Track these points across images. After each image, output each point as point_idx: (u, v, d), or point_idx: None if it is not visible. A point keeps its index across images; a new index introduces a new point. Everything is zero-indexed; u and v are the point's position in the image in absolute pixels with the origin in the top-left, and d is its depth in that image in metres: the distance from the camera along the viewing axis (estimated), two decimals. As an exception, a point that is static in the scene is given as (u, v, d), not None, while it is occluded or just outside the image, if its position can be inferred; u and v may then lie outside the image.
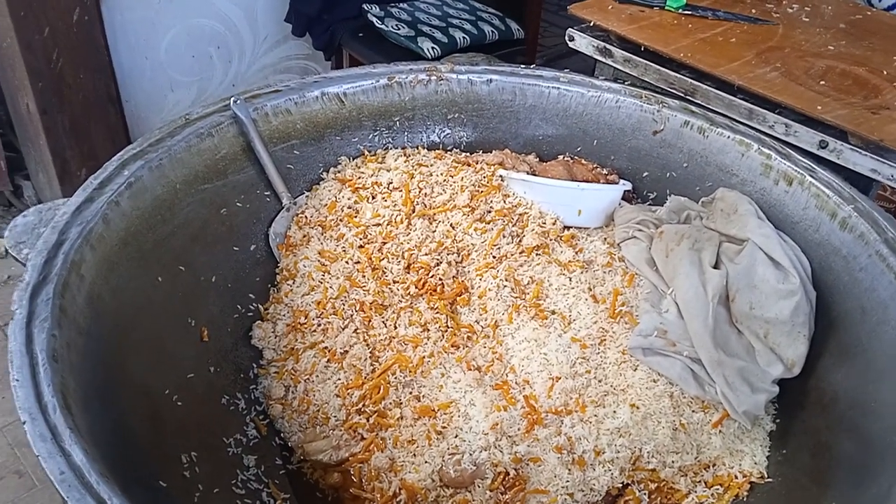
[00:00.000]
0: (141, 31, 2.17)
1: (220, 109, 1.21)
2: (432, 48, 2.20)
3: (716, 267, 1.13)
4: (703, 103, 1.33)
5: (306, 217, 1.25)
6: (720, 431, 1.07)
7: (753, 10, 1.58)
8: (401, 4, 2.43)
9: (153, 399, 0.96)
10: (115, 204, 1.01)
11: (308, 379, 1.11)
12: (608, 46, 1.46)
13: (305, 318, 1.16)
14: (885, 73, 1.35)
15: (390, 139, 1.39)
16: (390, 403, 1.08)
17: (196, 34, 2.29)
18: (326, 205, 1.27)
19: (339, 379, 1.10)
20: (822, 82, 1.30)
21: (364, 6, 2.36)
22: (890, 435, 0.90)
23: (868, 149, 1.16)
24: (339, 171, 1.32)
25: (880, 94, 1.27)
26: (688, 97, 1.35)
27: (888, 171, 1.14)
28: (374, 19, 2.30)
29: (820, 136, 1.19)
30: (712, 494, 1.06)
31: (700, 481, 1.07)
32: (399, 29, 2.27)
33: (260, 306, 1.20)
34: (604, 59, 1.47)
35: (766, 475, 1.06)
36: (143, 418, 0.91)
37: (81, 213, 0.97)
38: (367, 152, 1.35)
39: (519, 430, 1.04)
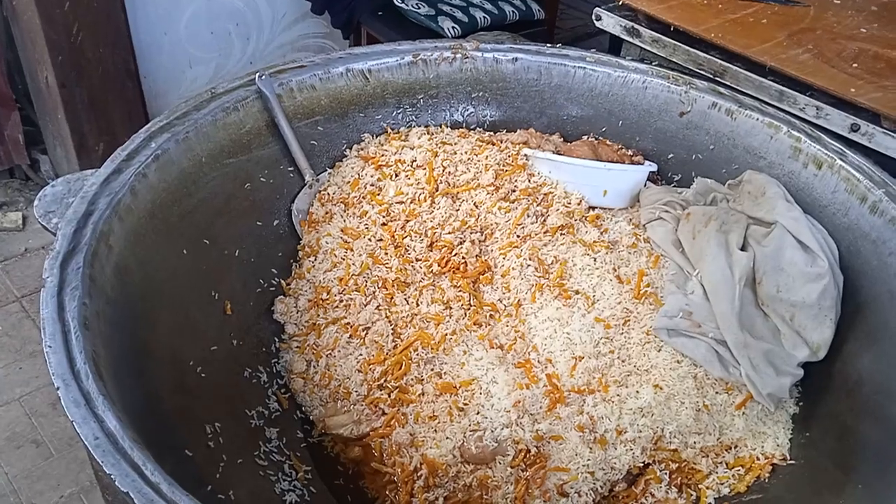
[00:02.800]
0: (161, 7, 2.17)
1: (245, 84, 1.21)
2: (452, 27, 2.19)
3: (743, 249, 1.12)
4: (732, 85, 1.32)
5: (329, 194, 1.25)
6: (743, 413, 1.07)
7: (783, -8, 1.56)
8: (422, -17, 2.41)
9: (178, 370, 0.97)
10: (143, 176, 1.01)
11: (330, 354, 1.11)
12: (636, 26, 1.44)
13: (327, 293, 1.16)
14: (917, 56, 1.33)
15: (414, 117, 1.38)
16: (412, 380, 1.08)
17: (216, 10, 2.28)
18: (349, 182, 1.26)
19: (361, 354, 1.10)
20: (855, 65, 1.28)
21: (385, -16, 2.34)
22: (917, 420, 0.89)
23: (901, 132, 1.14)
24: (362, 149, 1.31)
25: (913, 78, 1.25)
26: (717, 78, 1.33)
27: (920, 155, 1.12)
28: (395, -3, 2.29)
29: (852, 119, 1.18)
30: (733, 475, 1.06)
31: (721, 462, 1.07)
32: (419, 8, 2.25)
33: (282, 281, 1.20)
34: (631, 40, 1.46)
35: (788, 457, 1.06)
36: (168, 388, 0.92)
37: (110, 185, 0.97)
38: (390, 130, 1.35)
39: (541, 408, 1.04)
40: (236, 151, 1.17)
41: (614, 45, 1.56)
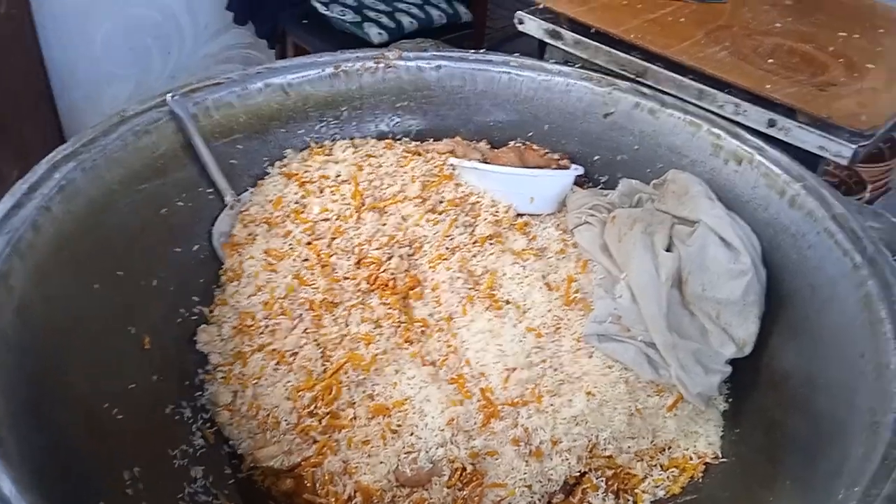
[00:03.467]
0: (74, 24, 2.08)
1: (157, 105, 1.16)
2: (379, 34, 2.16)
3: (668, 250, 1.12)
4: (654, 85, 1.32)
5: (251, 214, 1.21)
6: (675, 414, 1.07)
7: (700, -11, 1.58)
8: (347, -11, 2.38)
9: (91, 414, 0.91)
10: (46, 209, 0.95)
11: (256, 383, 1.07)
12: (558, 29, 1.44)
13: (252, 319, 1.12)
14: (830, 49, 1.35)
15: (338, 130, 1.35)
16: (343, 404, 1.05)
17: (133, 25, 2.21)
18: (272, 201, 1.23)
19: (290, 381, 1.06)
20: (771, 60, 1.30)
21: (308, -9, 2.30)
22: (840, 411, 0.90)
23: (815, 126, 1.16)
24: (284, 165, 1.28)
25: (827, 71, 1.28)
26: (639, 79, 1.34)
27: (835, 147, 1.15)
28: (319, 5, 2.25)
29: (769, 115, 1.20)
30: (668, 477, 1.06)
31: (656, 465, 1.07)
32: (344, 14, 2.23)
33: (205, 309, 1.16)
34: (554, 42, 1.46)
35: (720, 455, 1.07)
36: (80, 435, 0.87)
37: (9, 221, 0.91)
38: (313, 144, 1.32)
39: (475, 423, 1.03)
40: (150, 176, 1.12)
41: (543, 45, 1.55)
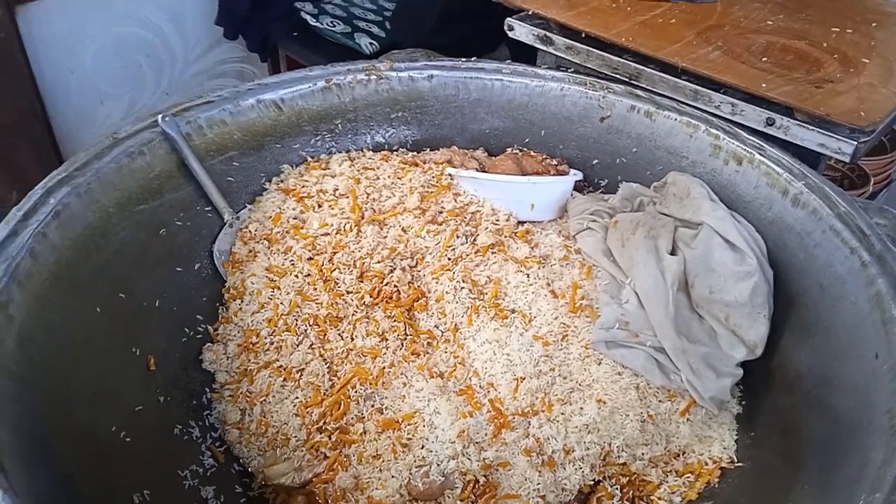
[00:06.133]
0: (63, 45, 2.07)
1: (149, 126, 1.15)
2: (370, 44, 2.15)
3: (672, 253, 1.12)
4: (648, 87, 1.32)
5: (250, 231, 1.20)
6: (688, 419, 1.06)
7: (691, -11, 1.58)
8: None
9: (99, 439, 0.90)
10: (43, 236, 0.94)
11: (264, 400, 1.06)
12: (549, 34, 1.43)
13: (257, 336, 1.11)
14: (824, 45, 1.35)
15: (333, 143, 1.34)
16: (352, 419, 1.04)
17: (123, 44, 2.20)
18: (271, 217, 1.22)
19: (297, 397, 1.05)
20: (765, 59, 1.30)
21: (297, 3, 2.29)
22: (857, 412, 0.89)
23: (814, 123, 1.16)
24: (281, 181, 1.27)
25: (822, 68, 1.28)
26: (632, 81, 1.34)
27: (835, 144, 1.14)
28: (308, 17, 2.24)
29: (766, 114, 1.19)
30: (683, 483, 1.05)
31: (671, 471, 1.06)
32: (334, 26, 2.22)
33: (209, 328, 1.15)
34: (545, 48, 1.45)
35: (735, 459, 1.06)
36: (88, 462, 0.85)
37: (6, 249, 0.90)
38: (309, 158, 1.31)
39: (486, 435, 1.02)
40: (147, 197, 1.11)
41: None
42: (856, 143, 1.11)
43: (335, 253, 1.17)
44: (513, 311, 1.14)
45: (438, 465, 0.98)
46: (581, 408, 1.04)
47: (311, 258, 1.17)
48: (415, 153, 1.36)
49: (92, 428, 0.90)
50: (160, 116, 1.14)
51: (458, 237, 1.20)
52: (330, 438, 1.02)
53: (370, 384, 1.06)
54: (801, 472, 0.94)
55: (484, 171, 1.29)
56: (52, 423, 0.84)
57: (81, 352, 0.94)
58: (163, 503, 0.91)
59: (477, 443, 1.01)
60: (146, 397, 1.01)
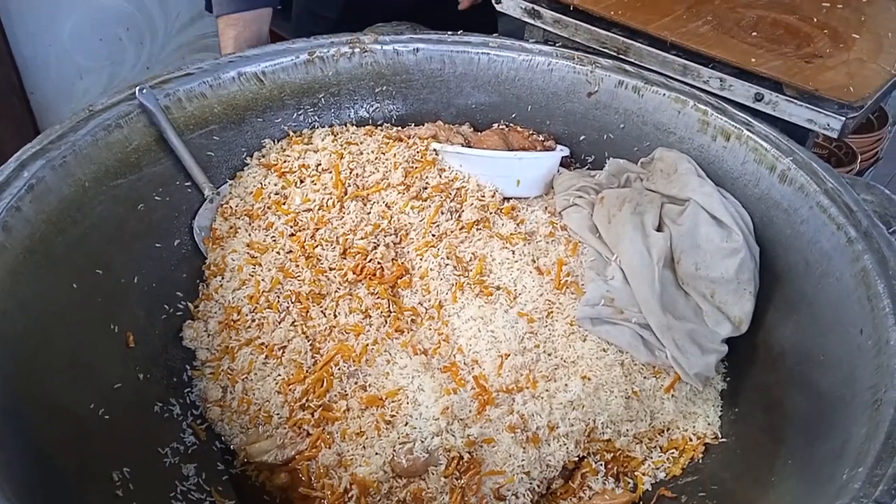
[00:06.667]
0: (40, 18, 2.02)
1: (127, 98, 1.12)
2: (356, 18, 2.12)
3: (659, 229, 1.11)
4: (636, 61, 1.30)
5: (231, 207, 1.18)
6: (672, 396, 1.06)
7: (680, -37, 1.55)
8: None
9: (77, 416, 0.89)
10: (16, 209, 0.92)
11: (246, 378, 1.05)
12: (537, 7, 1.41)
13: (238, 314, 1.09)
14: (815, 20, 1.34)
15: (316, 117, 1.32)
16: (335, 396, 1.03)
17: (101, 17, 2.15)
18: (252, 192, 1.19)
19: (279, 375, 1.04)
20: (755, 33, 1.28)
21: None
22: (840, 388, 0.89)
23: (803, 99, 1.14)
24: (263, 156, 1.25)
25: (812, 43, 1.26)
26: (621, 56, 1.32)
27: (823, 120, 1.13)
28: (293, -10, 2.20)
29: (755, 89, 1.17)
30: (668, 459, 1.05)
31: (655, 447, 1.06)
32: (320, -1, 2.17)
33: (189, 304, 1.13)
34: (533, 22, 1.42)
35: (719, 435, 1.06)
36: (66, 439, 0.84)
37: (-23, 224, 0.88)
38: (292, 133, 1.28)
39: (470, 412, 1.01)
40: (124, 171, 1.09)
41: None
42: (844, 118, 1.10)
43: (318, 229, 1.15)
44: (497, 288, 1.13)
45: (422, 441, 0.97)
46: (566, 384, 1.03)
47: (293, 234, 1.15)
48: (399, 128, 1.33)
49: (69, 405, 0.88)
50: (138, 88, 1.12)
51: (442, 213, 1.18)
52: (313, 416, 1.01)
53: (353, 361, 1.05)
54: (785, 447, 0.94)
55: (469, 147, 1.27)
56: (27, 398, 0.82)
57: (57, 327, 0.92)
58: (143, 481, 0.89)
59: (461, 419, 1.00)
60: (125, 374, 1.00)
